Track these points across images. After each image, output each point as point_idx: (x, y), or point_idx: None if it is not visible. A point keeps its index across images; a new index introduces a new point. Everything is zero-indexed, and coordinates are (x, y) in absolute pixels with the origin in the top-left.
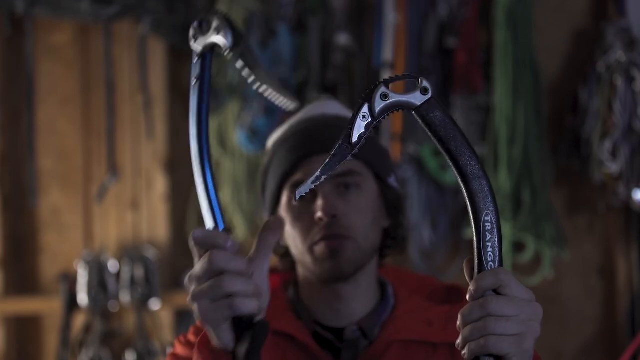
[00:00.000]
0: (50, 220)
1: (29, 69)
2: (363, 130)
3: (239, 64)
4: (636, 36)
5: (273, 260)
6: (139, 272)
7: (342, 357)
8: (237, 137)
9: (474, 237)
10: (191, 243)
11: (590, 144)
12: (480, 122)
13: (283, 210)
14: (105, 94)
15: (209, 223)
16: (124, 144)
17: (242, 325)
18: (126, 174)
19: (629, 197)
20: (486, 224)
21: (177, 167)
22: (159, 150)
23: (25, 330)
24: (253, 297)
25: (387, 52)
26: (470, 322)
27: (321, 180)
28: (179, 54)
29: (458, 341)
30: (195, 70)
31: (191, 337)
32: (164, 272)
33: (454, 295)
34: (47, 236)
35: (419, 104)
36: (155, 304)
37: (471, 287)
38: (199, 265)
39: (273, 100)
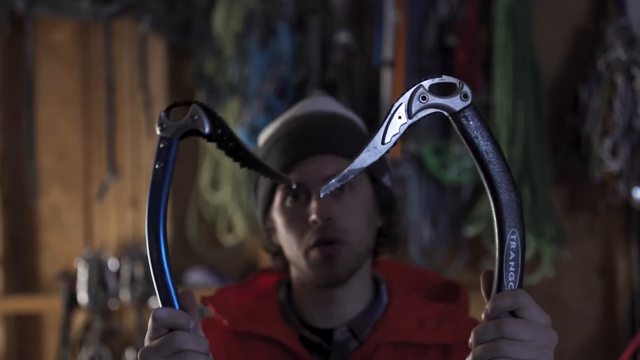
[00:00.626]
0: (50, 219)
1: (28, 68)
2: (397, 131)
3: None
4: (636, 35)
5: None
6: (139, 270)
7: None
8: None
9: (497, 253)
10: (150, 321)
11: (590, 142)
12: None
13: (276, 212)
14: (105, 93)
15: (165, 303)
16: (124, 143)
17: None
18: (126, 173)
19: (629, 195)
20: (511, 242)
21: (176, 166)
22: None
23: (25, 329)
24: None
25: (387, 51)
26: (483, 342)
27: (348, 180)
28: (179, 53)
29: (468, 359)
30: (161, 155)
31: None
32: None
33: (451, 292)
34: (47, 235)
35: (458, 109)
36: (155, 303)
37: (487, 306)
38: (156, 342)
39: (271, 177)
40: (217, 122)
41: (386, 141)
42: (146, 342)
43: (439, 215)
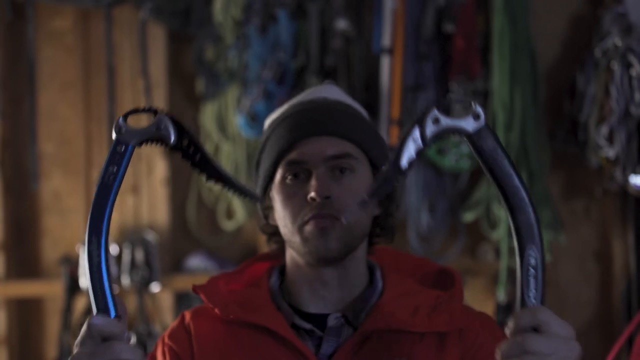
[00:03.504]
0: (51, 204)
1: (30, 54)
2: (413, 155)
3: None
4: (633, 22)
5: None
6: (140, 255)
7: (322, 347)
8: (237, 121)
9: (518, 269)
10: (84, 329)
11: (587, 129)
12: None
13: (275, 189)
14: (106, 79)
15: (100, 310)
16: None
17: None
18: None
19: (626, 181)
20: (530, 258)
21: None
22: None
23: (27, 313)
24: None
25: (386, 38)
26: (508, 357)
27: (366, 206)
28: (179, 39)
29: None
30: (114, 159)
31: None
32: (164, 255)
33: (444, 279)
34: (49, 220)
35: (472, 130)
36: (155, 287)
37: (510, 324)
38: (90, 349)
39: (238, 192)
40: (184, 134)
41: (402, 164)
42: (77, 348)
43: (437, 201)
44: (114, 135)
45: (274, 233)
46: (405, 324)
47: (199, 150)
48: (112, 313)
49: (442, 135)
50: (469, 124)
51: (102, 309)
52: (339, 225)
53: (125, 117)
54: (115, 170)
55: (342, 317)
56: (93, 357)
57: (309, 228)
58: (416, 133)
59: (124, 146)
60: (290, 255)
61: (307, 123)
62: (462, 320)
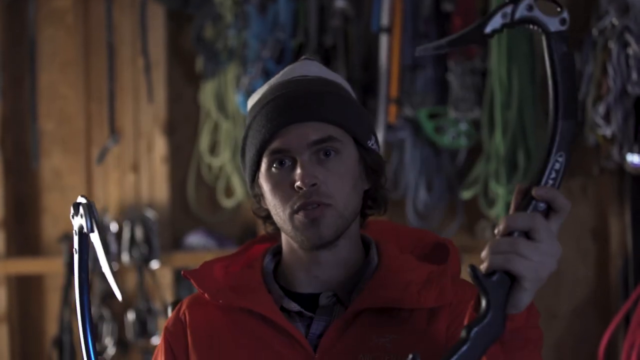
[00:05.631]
0: (52, 182)
1: (30, 34)
2: (498, 27)
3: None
4: (630, 1)
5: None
6: (139, 233)
7: (312, 326)
8: (236, 100)
9: (539, 168)
10: None
11: (584, 107)
12: (476, 86)
13: (262, 177)
14: (106, 58)
15: None
16: (125, 107)
17: None
18: (127, 137)
19: (623, 160)
20: (556, 163)
21: (177, 130)
22: (159, 113)
23: (27, 290)
24: None
25: (385, 17)
26: (496, 252)
27: (442, 51)
28: (178, 18)
29: (483, 254)
30: (76, 244)
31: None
32: (164, 232)
33: (439, 253)
34: (49, 198)
35: (553, 30)
36: (155, 264)
37: (504, 221)
38: None
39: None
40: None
41: (486, 29)
42: None
43: (435, 178)
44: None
45: (267, 216)
46: (394, 301)
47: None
48: None
49: (527, 22)
50: (553, 24)
51: None
52: (329, 212)
53: (75, 206)
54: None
55: (334, 296)
56: None
57: (299, 218)
58: (508, 10)
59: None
60: (285, 237)
61: (288, 109)
62: (452, 295)
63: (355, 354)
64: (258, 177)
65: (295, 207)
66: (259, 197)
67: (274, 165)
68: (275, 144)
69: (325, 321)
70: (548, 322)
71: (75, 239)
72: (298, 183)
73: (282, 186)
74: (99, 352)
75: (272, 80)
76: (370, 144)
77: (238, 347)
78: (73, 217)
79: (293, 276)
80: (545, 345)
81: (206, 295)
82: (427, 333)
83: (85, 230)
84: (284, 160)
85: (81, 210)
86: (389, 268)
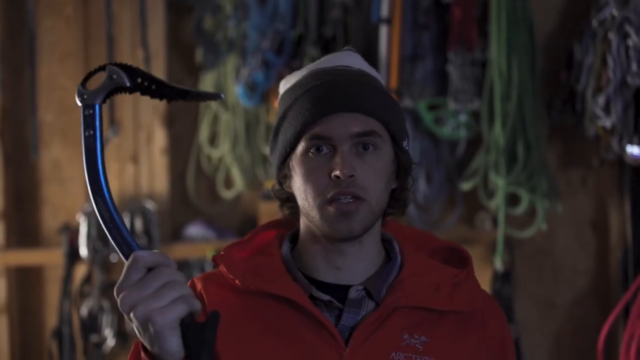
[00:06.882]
0: (51, 174)
1: (30, 25)
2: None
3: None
4: None
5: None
6: (139, 224)
7: (342, 318)
8: (236, 91)
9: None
10: (130, 262)
11: (584, 99)
12: (475, 77)
13: (296, 160)
14: (105, 49)
15: (128, 256)
16: (124, 98)
17: (189, 328)
18: (126, 128)
19: (623, 151)
20: None
21: (176, 121)
22: (159, 104)
23: (27, 282)
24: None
25: (384, 8)
26: None
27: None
28: (178, 10)
29: None
30: (88, 122)
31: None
32: (164, 224)
33: (455, 256)
34: (49, 189)
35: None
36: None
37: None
38: (138, 282)
39: (200, 99)
40: (134, 73)
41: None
42: (121, 288)
43: (434, 170)
44: (79, 103)
45: (287, 199)
46: (429, 302)
47: (152, 80)
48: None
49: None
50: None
51: (128, 254)
52: (363, 208)
53: (83, 83)
54: (92, 133)
55: (364, 290)
56: (143, 286)
57: (331, 210)
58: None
59: (91, 109)
60: (306, 224)
61: (333, 97)
62: (482, 301)
63: (387, 351)
64: (290, 159)
65: (329, 196)
66: (285, 179)
67: (312, 151)
68: (317, 129)
69: (356, 314)
70: (548, 312)
71: (92, 114)
72: (336, 172)
73: (317, 173)
74: (98, 344)
75: (312, 66)
76: (404, 145)
77: (258, 332)
78: (83, 98)
79: (311, 264)
80: (545, 335)
81: (237, 281)
82: (459, 339)
83: (127, 83)
84: (322, 147)
85: (109, 71)
86: (413, 267)
